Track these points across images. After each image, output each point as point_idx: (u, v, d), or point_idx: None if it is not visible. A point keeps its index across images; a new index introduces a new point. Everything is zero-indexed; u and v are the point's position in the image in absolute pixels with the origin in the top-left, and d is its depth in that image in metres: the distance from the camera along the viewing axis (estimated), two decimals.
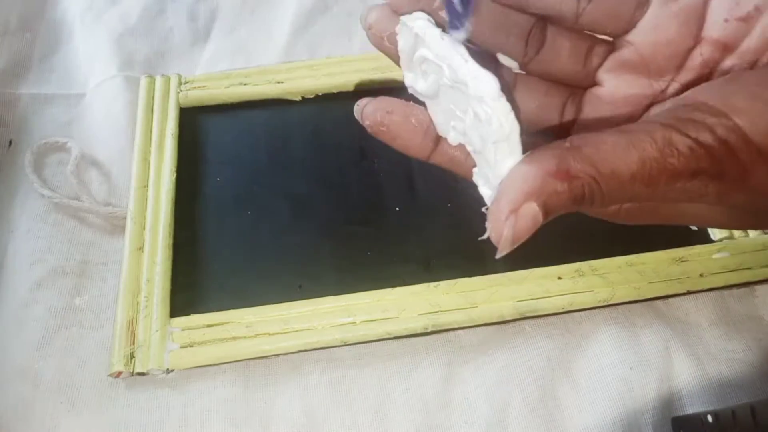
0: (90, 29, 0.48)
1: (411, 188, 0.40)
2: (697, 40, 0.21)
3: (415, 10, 0.20)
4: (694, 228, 0.39)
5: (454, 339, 0.35)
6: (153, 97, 0.43)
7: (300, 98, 0.44)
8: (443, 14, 0.19)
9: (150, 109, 0.42)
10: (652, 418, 0.33)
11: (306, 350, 0.34)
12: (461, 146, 0.21)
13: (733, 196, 0.18)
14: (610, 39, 0.22)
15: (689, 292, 0.36)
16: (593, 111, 0.23)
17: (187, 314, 0.35)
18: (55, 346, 0.34)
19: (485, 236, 0.17)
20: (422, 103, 0.21)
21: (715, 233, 0.39)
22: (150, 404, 0.33)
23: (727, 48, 0.20)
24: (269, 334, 0.34)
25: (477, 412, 0.33)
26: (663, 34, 0.21)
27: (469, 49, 0.18)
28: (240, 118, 0.43)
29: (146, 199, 0.38)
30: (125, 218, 0.38)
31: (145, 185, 0.39)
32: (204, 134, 0.43)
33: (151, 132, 0.41)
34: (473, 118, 0.18)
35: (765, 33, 0.20)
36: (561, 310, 0.35)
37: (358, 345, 0.35)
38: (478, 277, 0.36)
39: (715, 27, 0.20)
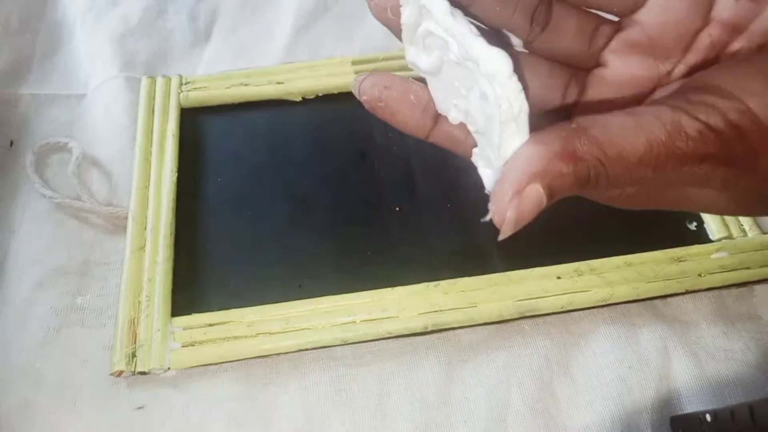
0: (91, 30, 0.48)
1: (411, 188, 0.40)
2: (705, 21, 0.20)
3: None
4: (693, 228, 0.39)
5: (453, 338, 0.35)
6: (154, 98, 0.43)
7: (300, 99, 0.44)
8: None
9: (151, 110, 0.42)
10: (650, 417, 0.33)
11: (306, 349, 0.34)
12: (461, 125, 0.20)
13: (740, 181, 0.18)
14: (617, 19, 0.22)
15: (688, 292, 0.36)
16: (597, 92, 0.22)
17: (189, 313, 0.35)
18: (56, 346, 0.34)
19: (487, 218, 0.17)
20: (422, 80, 0.21)
21: (713, 233, 0.39)
22: (151, 403, 0.33)
23: (736, 29, 0.20)
24: (270, 333, 0.34)
25: (476, 411, 0.33)
26: (672, 14, 0.20)
27: (477, 26, 0.18)
28: (241, 118, 0.44)
29: (147, 199, 0.38)
30: (126, 218, 0.38)
31: (146, 185, 0.39)
32: (205, 135, 0.43)
33: (152, 132, 0.41)
34: (479, 96, 0.18)
35: None
36: (560, 310, 0.35)
37: (359, 344, 0.35)
38: (478, 277, 0.36)
39: (726, 8, 0.20)
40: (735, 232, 0.39)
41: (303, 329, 0.34)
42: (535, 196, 0.16)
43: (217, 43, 0.48)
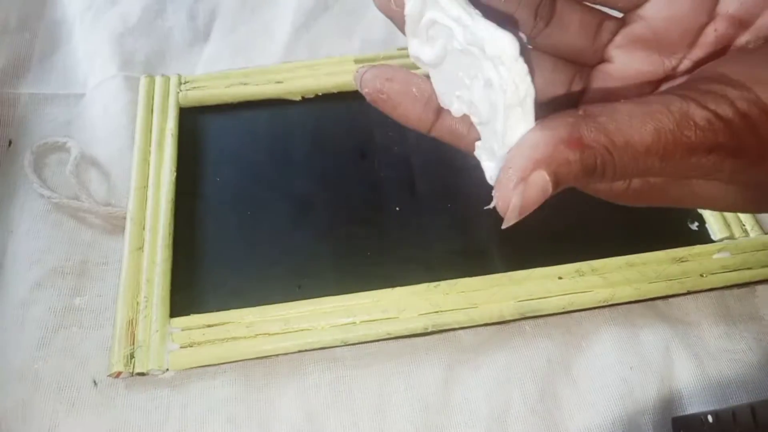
0: (90, 29, 0.48)
1: (411, 188, 0.40)
2: (711, 15, 0.20)
3: None
4: (695, 228, 0.39)
5: (454, 339, 0.35)
6: (153, 97, 0.43)
7: (300, 98, 0.44)
8: None
9: (150, 109, 0.42)
10: (652, 418, 0.33)
11: (306, 350, 0.34)
12: (464, 119, 0.20)
13: (749, 173, 0.18)
14: (621, 15, 0.22)
15: (690, 292, 0.36)
16: (599, 91, 0.22)
17: (187, 314, 0.35)
18: (54, 347, 0.34)
19: (491, 205, 0.17)
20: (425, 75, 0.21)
21: (715, 233, 0.39)
22: (150, 404, 0.33)
23: (742, 24, 0.20)
24: (269, 334, 0.34)
25: (477, 413, 0.33)
26: (676, 8, 0.20)
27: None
28: (240, 118, 0.43)
29: (146, 199, 0.38)
30: (125, 218, 0.38)
31: (145, 185, 0.39)
32: (204, 134, 0.42)
33: (150, 132, 0.41)
34: (483, 84, 0.18)
35: None
36: (561, 310, 0.35)
37: (359, 345, 0.35)
38: (478, 277, 0.36)
39: (731, 2, 0.20)
40: (737, 232, 0.38)
41: (302, 330, 0.34)
42: (541, 183, 0.16)
43: (217, 42, 0.48)
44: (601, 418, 0.33)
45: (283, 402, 0.33)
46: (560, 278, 0.36)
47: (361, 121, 0.43)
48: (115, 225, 0.39)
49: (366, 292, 0.35)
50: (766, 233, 0.38)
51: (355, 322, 0.34)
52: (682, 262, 0.37)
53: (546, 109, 0.21)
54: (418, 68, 0.21)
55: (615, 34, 0.22)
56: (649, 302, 0.36)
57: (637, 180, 0.19)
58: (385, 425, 0.33)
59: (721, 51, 0.20)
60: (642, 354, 0.35)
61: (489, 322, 0.35)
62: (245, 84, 0.44)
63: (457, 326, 0.35)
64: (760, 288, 0.37)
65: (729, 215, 0.39)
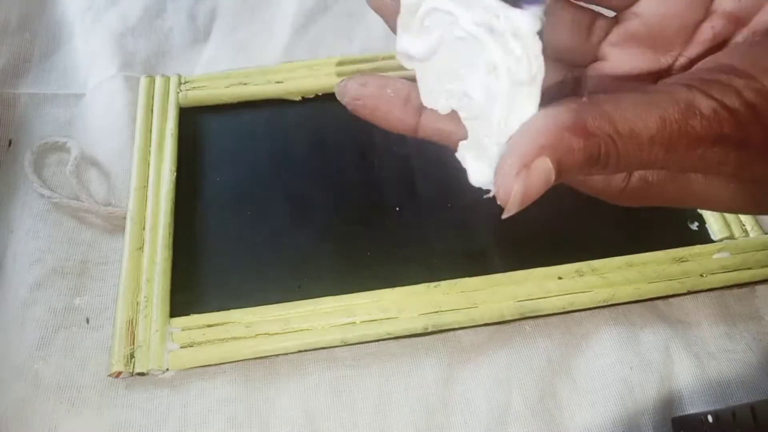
0: (90, 29, 0.48)
1: (411, 188, 0.40)
2: (707, 12, 0.20)
3: None
4: (695, 228, 0.39)
5: (454, 339, 0.35)
6: (153, 97, 0.43)
7: (300, 98, 0.44)
8: None
9: (150, 109, 0.42)
10: (652, 418, 0.33)
11: (306, 350, 0.34)
12: (450, 117, 0.20)
13: (753, 168, 0.17)
14: (614, 14, 0.21)
15: (689, 292, 0.36)
16: (596, 87, 0.21)
17: (187, 314, 0.35)
18: (54, 347, 0.34)
19: (490, 194, 0.17)
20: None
21: (715, 233, 0.39)
22: (150, 404, 0.33)
23: (739, 21, 0.20)
24: (269, 334, 0.34)
25: (477, 413, 0.33)
26: (672, 5, 0.20)
27: None
28: (240, 118, 0.43)
29: (146, 199, 0.38)
30: (125, 218, 0.38)
31: (145, 185, 0.39)
32: (204, 134, 0.42)
33: (150, 132, 0.41)
34: (484, 69, 0.17)
35: None
36: (561, 310, 0.35)
37: (359, 345, 0.35)
38: (478, 277, 0.36)
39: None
40: (737, 232, 0.38)
41: (302, 330, 0.34)
42: (544, 170, 0.15)
43: (217, 42, 0.48)
44: (600, 418, 0.33)
45: (283, 402, 0.33)
46: (560, 278, 0.36)
47: (361, 122, 0.43)
48: (115, 225, 0.39)
49: (366, 292, 0.35)
50: (766, 233, 0.38)
51: (355, 322, 0.34)
52: (682, 262, 0.37)
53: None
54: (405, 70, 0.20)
55: (608, 32, 0.21)
56: (649, 302, 0.36)
57: (635, 179, 0.19)
58: (385, 425, 0.33)
59: (717, 48, 0.20)
60: (642, 354, 0.35)
61: (489, 322, 0.35)
62: (245, 84, 0.44)
63: (457, 326, 0.35)
64: (760, 288, 0.37)
65: (729, 215, 0.39)
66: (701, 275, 0.36)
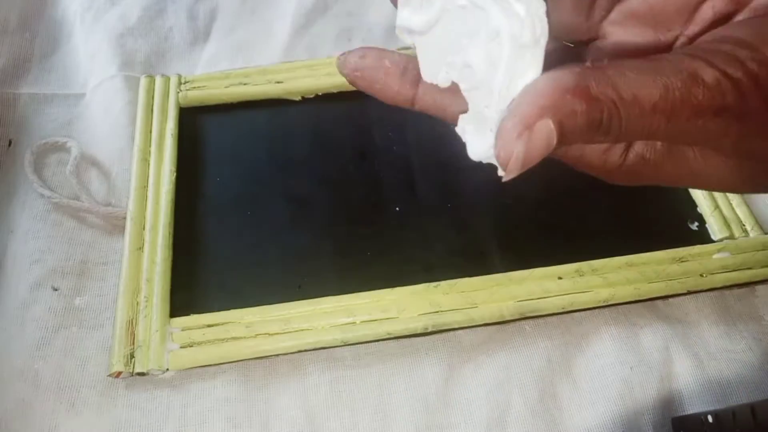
0: (90, 29, 0.48)
1: (411, 188, 0.40)
2: None
3: None
4: (695, 228, 0.39)
5: (454, 339, 0.35)
6: (153, 97, 0.43)
7: (300, 98, 0.44)
8: None
9: (150, 109, 0.42)
10: (652, 418, 0.33)
11: (306, 350, 0.34)
12: (449, 90, 0.19)
13: (753, 141, 0.17)
14: None
15: (689, 292, 0.36)
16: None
17: (187, 314, 0.35)
18: (54, 347, 0.34)
19: (493, 159, 0.16)
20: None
21: (715, 233, 0.38)
22: (150, 404, 0.33)
23: (739, 3, 0.19)
24: (269, 334, 0.34)
25: (477, 413, 0.33)
26: None
27: None
28: (240, 118, 0.43)
29: (146, 199, 0.38)
30: (125, 218, 0.38)
31: (145, 185, 0.39)
32: (204, 134, 0.42)
33: (150, 132, 0.41)
34: (486, 37, 0.17)
35: None
36: (561, 310, 0.35)
37: (358, 345, 0.35)
38: (478, 277, 0.36)
39: None
40: (737, 232, 0.38)
41: (302, 330, 0.34)
42: (546, 132, 0.15)
43: (217, 42, 0.48)
44: (600, 418, 0.33)
45: (283, 402, 0.33)
46: (560, 278, 0.36)
47: (361, 122, 0.43)
48: (115, 225, 0.39)
49: (366, 292, 0.35)
50: (766, 233, 0.38)
51: (355, 322, 0.34)
52: (682, 262, 0.37)
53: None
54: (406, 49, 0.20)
55: (609, 11, 0.21)
56: (649, 302, 0.36)
57: (632, 155, 0.19)
58: (385, 425, 0.33)
59: (716, 26, 0.20)
60: (642, 354, 0.35)
61: (489, 322, 0.35)
62: (245, 84, 0.44)
63: (457, 326, 0.35)
64: (760, 288, 0.37)
65: (729, 215, 0.39)
66: (701, 275, 0.36)
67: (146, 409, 0.33)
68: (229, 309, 0.35)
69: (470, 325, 0.35)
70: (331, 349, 0.35)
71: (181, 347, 0.33)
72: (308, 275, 0.37)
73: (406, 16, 0.19)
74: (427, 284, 0.36)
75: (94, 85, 0.45)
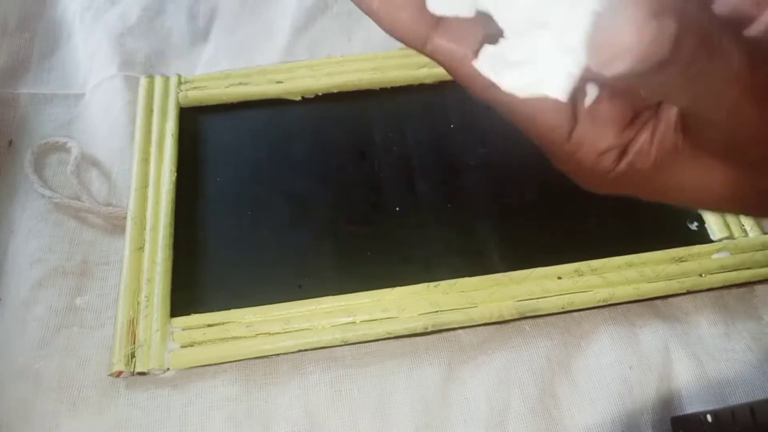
0: (89, 29, 0.48)
1: (411, 188, 0.40)
2: None
3: None
4: (694, 228, 0.39)
5: (454, 339, 0.35)
6: (153, 97, 0.43)
7: (300, 98, 0.44)
8: None
9: (150, 109, 0.42)
10: (651, 417, 0.33)
11: (306, 350, 0.34)
12: (466, 36, 0.17)
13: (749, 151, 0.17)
14: None
15: (689, 292, 0.36)
16: None
17: (188, 314, 0.35)
18: (55, 346, 0.34)
19: (532, 83, 0.15)
20: None
21: (714, 233, 0.39)
22: (150, 404, 0.33)
23: None
24: (269, 333, 0.34)
25: (477, 412, 0.33)
26: None
27: None
28: (240, 118, 0.43)
29: (146, 199, 0.38)
30: (125, 218, 0.38)
31: (146, 185, 0.39)
32: (204, 134, 0.43)
33: (151, 132, 0.41)
34: None
35: None
36: (561, 310, 0.35)
37: (359, 345, 0.35)
38: (478, 277, 0.36)
39: None
40: (736, 232, 0.38)
41: (303, 330, 0.34)
42: (669, 28, 0.13)
43: (216, 42, 0.48)
44: (600, 418, 0.33)
45: (284, 401, 0.33)
46: (559, 278, 0.36)
47: (361, 121, 0.43)
48: (115, 225, 0.39)
49: (366, 292, 0.35)
50: (765, 233, 0.39)
51: (355, 322, 0.34)
52: (682, 261, 0.37)
53: None
54: None
55: None
56: (649, 302, 0.36)
57: (624, 163, 0.18)
58: (385, 424, 0.33)
59: None
60: (641, 353, 0.35)
61: (488, 321, 0.35)
62: (245, 84, 0.44)
63: (456, 326, 0.35)
64: (759, 288, 0.37)
65: (729, 215, 0.39)
66: (700, 275, 0.36)
67: (147, 408, 0.33)
68: (229, 308, 0.35)
69: (470, 324, 0.35)
70: (332, 349, 0.35)
71: (181, 347, 0.34)
72: (308, 275, 0.37)
73: None
74: (427, 284, 0.36)
75: (94, 85, 0.45)
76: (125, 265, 0.36)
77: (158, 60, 0.47)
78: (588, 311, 0.36)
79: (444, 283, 0.36)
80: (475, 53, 0.18)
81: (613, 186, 0.19)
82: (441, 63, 0.18)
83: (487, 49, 0.17)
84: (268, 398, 0.33)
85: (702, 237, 0.39)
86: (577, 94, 0.18)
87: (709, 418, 0.31)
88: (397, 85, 0.44)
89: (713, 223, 0.39)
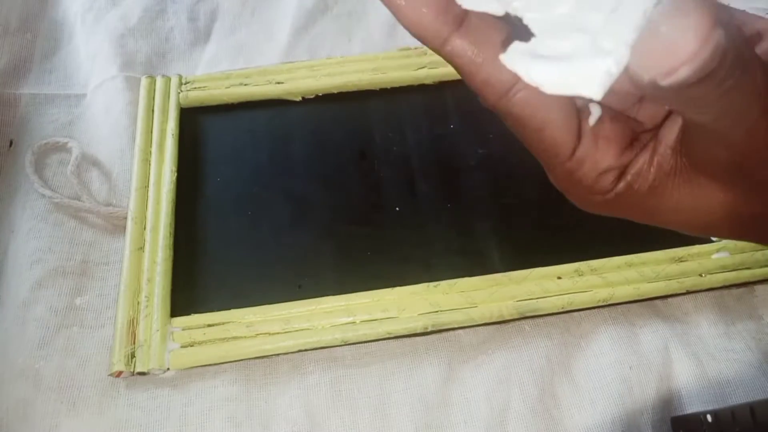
0: (91, 29, 0.48)
1: (411, 188, 0.40)
2: None
3: None
4: None
5: (454, 339, 0.35)
6: (153, 98, 0.43)
7: (300, 99, 0.44)
8: None
9: (150, 110, 0.42)
10: (651, 417, 0.33)
11: (306, 350, 0.34)
12: (489, 39, 0.17)
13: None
14: None
15: (689, 292, 0.36)
16: None
17: (188, 314, 0.35)
18: (55, 346, 0.34)
19: (572, 81, 0.14)
20: None
21: None
22: (150, 404, 0.33)
23: None
24: (269, 333, 0.34)
25: (477, 412, 0.33)
26: None
27: None
28: (240, 118, 0.44)
29: (147, 199, 0.38)
30: (126, 218, 0.38)
31: (146, 185, 0.39)
32: (204, 134, 0.43)
33: (151, 132, 0.41)
34: None
35: None
36: (560, 310, 0.35)
37: (358, 345, 0.35)
38: (477, 277, 0.36)
39: None
40: None
41: (303, 330, 0.34)
42: (721, 38, 0.13)
43: (217, 42, 0.48)
44: (600, 418, 0.33)
45: (284, 401, 0.33)
46: (559, 278, 0.36)
47: (361, 122, 0.43)
48: (116, 225, 0.39)
49: (366, 292, 0.35)
50: None
51: (355, 322, 0.34)
52: (681, 261, 0.37)
53: None
54: None
55: None
56: (648, 302, 0.36)
57: (623, 183, 0.19)
58: (385, 424, 0.33)
59: None
60: (641, 353, 0.35)
61: (488, 321, 0.35)
62: (246, 84, 0.44)
63: (456, 326, 0.35)
64: (759, 288, 0.37)
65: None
66: (700, 275, 0.36)
67: (147, 408, 0.33)
68: (229, 309, 0.35)
69: (470, 324, 0.35)
70: (331, 349, 0.35)
71: (181, 347, 0.34)
72: (308, 275, 0.37)
73: None
74: (426, 284, 0.36)
75: (95, 86, 0.45)
76: (125, 265, 0.36)
77: (159, 60, 0.47)
78: (588, 311, 0.36)
79: (444, 283, 0.36)
80: (496, 58, 0.17)
81: (609, 207, 0.19)
82: (458, 66, 0.18)
83: (517, 45, 0.16)
84: (268, 398, 0.33)
85: (702, 237, 0.39)
86: (582, 112, 0.18)
87: (709, 418, 0.31)
88: (397, 85, 0.44)
89: None
